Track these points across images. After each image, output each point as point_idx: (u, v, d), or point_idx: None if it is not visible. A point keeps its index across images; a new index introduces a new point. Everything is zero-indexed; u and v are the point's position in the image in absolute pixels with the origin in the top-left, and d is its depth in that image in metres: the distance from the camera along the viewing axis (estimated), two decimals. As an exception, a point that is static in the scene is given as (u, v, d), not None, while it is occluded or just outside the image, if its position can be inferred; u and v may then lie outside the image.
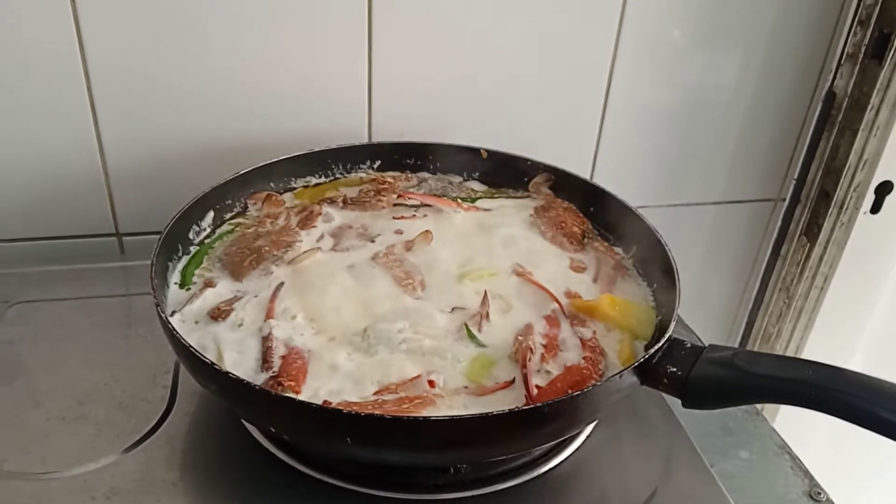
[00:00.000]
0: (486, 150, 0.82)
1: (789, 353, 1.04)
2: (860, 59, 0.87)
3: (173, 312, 0.60)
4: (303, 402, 0.48)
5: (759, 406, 0.92)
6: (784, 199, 1.02)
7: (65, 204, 0.83)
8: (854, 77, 0.87)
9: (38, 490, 0.54)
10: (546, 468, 0.60)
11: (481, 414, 0.47)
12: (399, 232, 0.72)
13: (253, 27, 0.79)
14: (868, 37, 0.85)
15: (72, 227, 0.85)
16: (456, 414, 0.50)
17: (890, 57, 0.82)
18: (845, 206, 0.92)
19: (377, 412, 0.48)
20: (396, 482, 0.56)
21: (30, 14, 0.73)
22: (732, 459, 0.78)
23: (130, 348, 0.69)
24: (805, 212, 0.98)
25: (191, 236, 0.69)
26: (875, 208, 0.92)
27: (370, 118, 0.88)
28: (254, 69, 0.82)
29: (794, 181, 0.99)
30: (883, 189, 0.91)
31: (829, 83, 0.92)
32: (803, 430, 0.97)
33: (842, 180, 0.91)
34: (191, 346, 0.50)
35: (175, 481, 0.56)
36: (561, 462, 0.61)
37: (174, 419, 0.62)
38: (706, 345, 0.55)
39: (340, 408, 0.49)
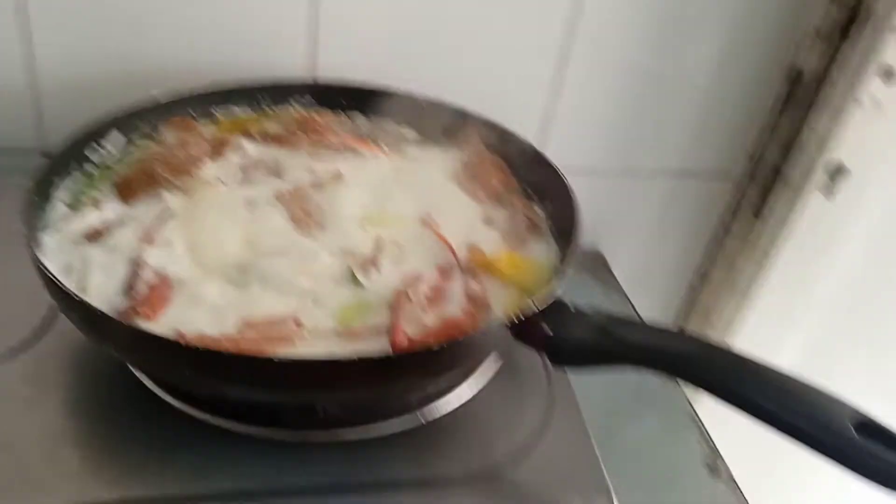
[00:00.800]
0: (422, 97, 0.79)
1: (723, 331, 1.02)
2: (827, 37, 0.83)
3: (48, 229, 0.58)
4: (140, 330, 0.46)
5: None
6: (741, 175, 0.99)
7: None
8: (819, 54, 0.84)
9: None
10: (419, 417, 0.58)
11: (328, 359, 0.45)
12: (311, 171, 0.69)
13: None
14: (837, 13, 0.81)
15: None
16: (303, 357, 0.48)
17: (856, 35, 0.78)
18: (796, 187, 0.89)
19: (211, 346, 0.46)
20: (261, 418, 0.55)
21: None
22: (640, 427, 0.77)
23: (20, 265, 0.66)
24: (757, 190, 0.95)
25: (89, 154, 0.66)
26: (828, 192, 0.89)
27: (316, 56, 0.85)
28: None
29: (749, 157, 0.96)
30: (837, 172, 0.88)
31: (792, 58, 0.88)
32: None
33: (796, 160, 0.88)
34: (41, 262, 0.49)
35: (32, 399, 0.55)
36: (436, 414, 0.59)
37: (49, 339, 0.60)
38: (590, 310, 0.53)
39: (178, 340, 0.47)
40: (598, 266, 0.99)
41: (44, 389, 0.56)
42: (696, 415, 0.76)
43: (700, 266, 1.06)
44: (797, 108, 0.89)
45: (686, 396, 0.78)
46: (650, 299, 1.08)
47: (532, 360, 0.66)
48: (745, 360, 0.45)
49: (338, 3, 0.81)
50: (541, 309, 0.52)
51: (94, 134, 0.66)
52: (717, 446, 0.72)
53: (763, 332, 0.99)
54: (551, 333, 0.51)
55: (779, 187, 0.92)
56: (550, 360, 0.51)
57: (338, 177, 0.68)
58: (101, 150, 0.67)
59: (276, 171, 0.69)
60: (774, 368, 0.46)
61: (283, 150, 0.72)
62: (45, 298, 0.62)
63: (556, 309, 0.53)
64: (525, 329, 0.52)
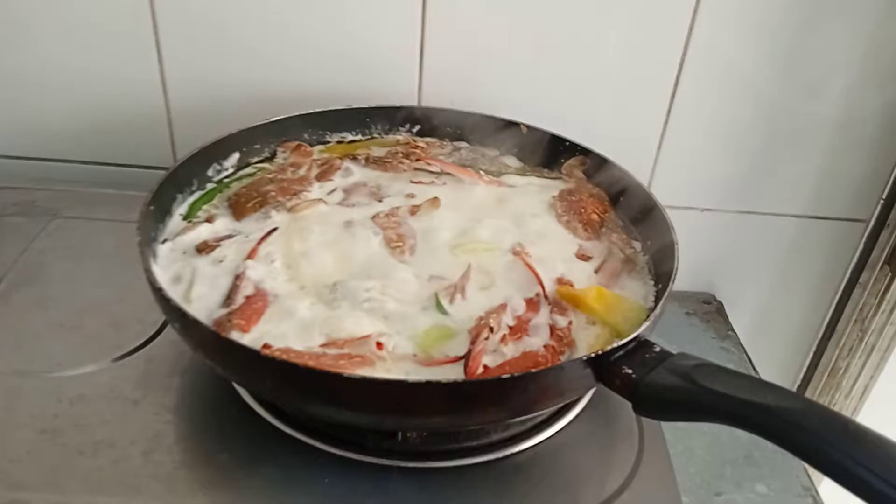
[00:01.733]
0: (527, 126, 0.79)
1: (856, 394, 0.94)
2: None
3: (165, 240, 0.62)
4: (224, 338, 0.49)
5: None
6: (872, 221, 0.91)
7: (128, 134, 0.89)
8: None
9: (14, 385, 0.59)
10: (500, 454, 0.57)
11: (389, 380, 0.46)
12: (411, 196, 0.71)
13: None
14: None
15: (133, 157, 0.90)
16: (359, 374, 0.49)
17: None
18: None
19: (290, 360, 0.48)
20: (347, 439, 0.56)
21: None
22: (746, 492, 0.72)
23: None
24: (891, 237, 0.87)
25: (210, 173, 0.71)
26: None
27: (420, 81, 0.87)
28: (314, 23, 0.83)
29: (881, 201, 0.88)
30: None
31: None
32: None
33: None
34: (148, 269, 0.52)
35: (138, 399, 0.59)
36: (516, 452, 0.58)
37: (158, 344, 0.65)
38: (676, 353, 0.50)
39: (258, 350, 0.49)
40: (714, 314, 0.94)
41: (149, 392, 0.60)
42: (814, 487, 0.70)
43: (828, 320, 0.98)
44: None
45: (804, 465, 0.72)
46: (771, 354, 1.00)
47: (625, 405, 0.63)
48: (848, 423, 0.41)
49: (447, 32, 0.82)
50: (624, 349, 0.50)
51: (216, 154, 0.71)
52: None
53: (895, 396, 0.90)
54: (634, 376, 0.48)
55: (917, 234, 0.84)
56: (633, 407, 0.49)
57: (434, 202, 0.69)
58: (222, 169, 0.72)
59: (377, 195, 0.71)
60: (883, 436, 0.42)
61: (387, 174, 0.75)
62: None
63: (642, 351, 0.51)
64: (605, 369, 0.50)
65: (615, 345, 0.50)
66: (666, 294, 0.55)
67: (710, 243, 0.95)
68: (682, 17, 0.80)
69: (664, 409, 0.48)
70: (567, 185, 0.75)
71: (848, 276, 0.94)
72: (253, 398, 0.59)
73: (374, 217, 0.67)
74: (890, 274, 0.87)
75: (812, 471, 0.72)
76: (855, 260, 0.93)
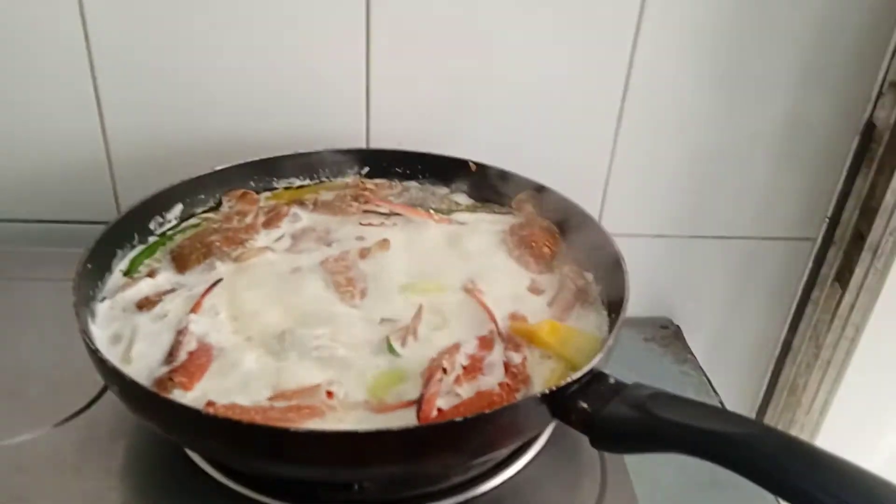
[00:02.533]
0: (475, 164, 0.79)
1: (815, 410, 0.94)
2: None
3: (104, 298, 0.60)
4: (164, 399, 0.47)
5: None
6: (819, 239, 0.92)
7: (69, 189, 0.86)
8: None
9: (-54, 459, 0.56)
10: (460, 498, 0.56)
11: (340, 432, 0.44)
12: (361, 238, 0.70)
13: (257, 27, 0.79)
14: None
15: (75, 213, 0.88)
16: (313, 429, 0.47)
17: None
18: (880, 251, 0.82)
19: (236, 416, 0.46)
20: (301, 493, 0.54)
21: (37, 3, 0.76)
22: (710, 515, 0.71)
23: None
24: (838, 254, 0.88)
25: (152, 226, 0.69)
26: (917, 255, 0.82)
27: (368, 122, 0.87)
28: (256, 67, 0.82)
29: (826, 220, 0.90)
30: (925, 233, 0.81)
31: (868, 114, 0.83)
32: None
33: (876, 221, 0.82)
34: (84, 330, 0.50)
35: (80, 466, 0.57)
36: (483, 493, 0.57)
37: (99, 406, 0.62)
38: (631, 383, 0.50)
39: (198, 409, 0.47)
40: (672, 338, 0.94)
41: (91, 457, 0.57)
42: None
43: (783, 338, 0.99)
44: (874, 166, 0.83)
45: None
46: (730, 375, 1.01)
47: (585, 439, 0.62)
48: (804, 447, 0.41)
49: (392, 72, 0.83)
50: (578, 383, 0.49)
51: (157, 206, 0.69)
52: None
53: (858, 413, 0.91)
54: (589, 410, 0.48)
55: (859, 252, 0.85)
56: (591, 442, 0.48)
57: (384, 244, 0.68)
58: (165, 221, 0.70)
59: (325, 240, 0.70)
60: (838, 458, 0.41)
61: (335, 217, 0.74)
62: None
63: (597, 384, 0.50)
64: (561, 405, 0.49)
65: (569, 379, 0.49)
66: (618, 325, 0.55)
67: (664, 268, 0.96)
68: (623, 44, 0.81)
69: (621, 441, 0.47)
70: (517, 219, 0.75)
71: (800, 294, 0.96)
72: (201, 457, 0.57)
73: (322, 262, 0.66)
74: (840, 290, 0.88)
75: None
76: (805, 278, 0.94)
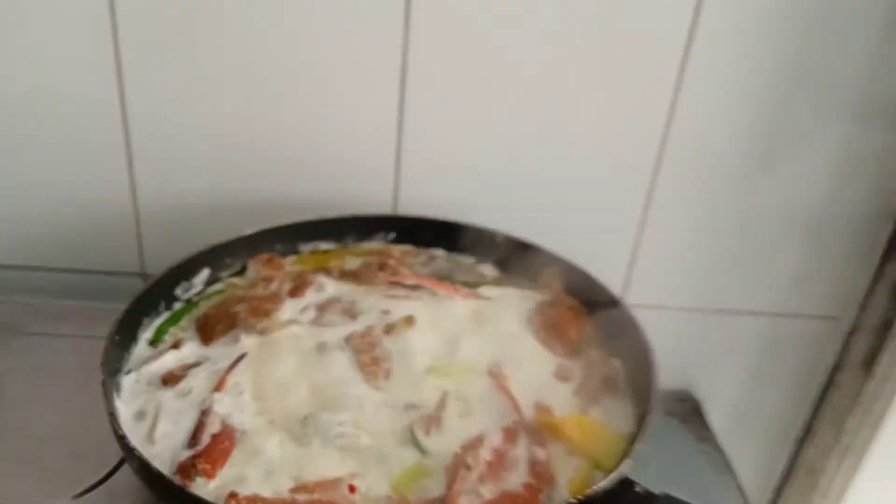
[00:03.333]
0: (503, 236, 0.79)
1: (833, 495, 0.92)
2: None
3: (129, 371, 0.60)
4: (187, 493, 0.46)
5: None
6: (848, 322, 0.91)
7: (94, 239, 0.87)
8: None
9: (-38, 532, 0.55)
10: None
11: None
12: (386, 312, 0.70)
13: (287, 90, 0.80)
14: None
15: (99, 263, 0.89)
16: None
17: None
18: (909, 339, 0.81)
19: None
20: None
21: (74, 63, 0.77)
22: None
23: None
24: (867, 338, 0.87)
25: (178, 292, 0.69)
26: (948, 346, 0.81)
27: (396, 188, 0.87)
28: (288, 131, 0.83)
29: (858, 301, 0.89)
30: (956, 324, 0.79)
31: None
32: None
33: (909, 308, 0.81)
34: (112, 410, 0.50)
35: (102, 540, 0.56)
36: None
37: (121, 476, 0.62)
38: (660, 493, 0.49)
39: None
40: (691, 412, 0.92)
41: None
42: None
43: (806, 420, 0.98)
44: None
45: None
46: (749, 453, 0.99)
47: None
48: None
49: (423, 139, 0.83)
50: (604, 491, 0.49)
51: (185, 273, 0.70)
52: None
53: (877, 501, 0.89)
54: (616, 523, 0.47)
55: (890, 338, 0.84)
56: (613, 555, 0.47)
57: (409, 321, 0.68)
58: (191, 287, 0.70)
59: (350, 312, 0.69)
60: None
61: (360, 287, 0.73)
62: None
63: (624, 493, 0.49)
64: (586, 514, 0.48)
65: (595, 489, 0.48)
66: (646, 428, 0.54)
67: (687, 341, 0.95)
68: (658, 115, 0.81)
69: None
70: (545, 296, 0.74)
71: (825, 375, 0.94)
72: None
73: (347, 338, 0.65)
74: (865, 375, 0.87)
75: None
76: (832, 360, 0.93)
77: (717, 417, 0.93)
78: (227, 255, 0.74)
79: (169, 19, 0.76)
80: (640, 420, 0.57)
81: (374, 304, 0.71)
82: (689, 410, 0.94)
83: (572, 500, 0.47)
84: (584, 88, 0.81)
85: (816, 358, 0.94)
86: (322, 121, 0.82)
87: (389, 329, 0.67)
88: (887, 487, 0.89)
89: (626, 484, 0.50)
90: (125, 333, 0.61)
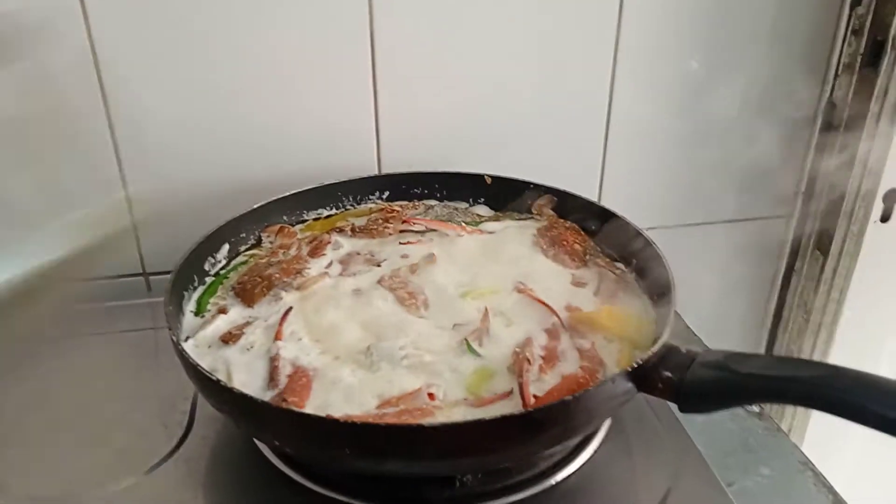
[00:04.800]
0: (490, 177, 0.85)
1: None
2: (856, 69, 0.88)
3: (187, 338, 0.63)
4: (303, 413, 0.50)
5: (781, 423, 0.91)
6: (793, 214, 1.02)
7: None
8: (852, 87, 0.88)
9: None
10: (551, 482, 0.60)
11: (475, 420, 0.49)
12: (405, 256, 0.74)
13: (267, 71, 0.84)
14: (863, 46, 0.86)
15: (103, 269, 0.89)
16: (450, 421, 0.51)
17: (884, 64, 0.83)
18: (854, 217, 0.92)
19: (369, 422, 0.50)
20: (404, 497, 0.58)
21: (53, 54, 0.77)
22: (753, 476, 0.77)
23: (151, 378, 0.72)
24: (815, 225, 0.98)
25: (206, 268, 0.72)
26: (885, 217, 0.92)
27: (379, 152, 0.91)
28: (269, 110, 0.86)
29: (801, 194, 0.99)
30: (891, 197, 0.91)
31: (827, 95, 0.93)
32: (832, 449, 0.96)
33: (848, 191, 0.91)
34: (199, 365, 0.53)
35: (187, 502, 0.58)
36: (568, 476, 0.61)
37: (191, 443, 0.64)
38: (701, 350, 0.56)
39: (339, 418, 0.51)
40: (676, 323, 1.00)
41: (196, 493, 0.59)
42: (809, 459, 0.77)
43: (770, 308, 1.08)
44: (838, 141, 0.93)
45: (793, 442, 0.78)
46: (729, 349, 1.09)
47: (642, 415, 0.68)
48: (872, 377, 0.48)
49: (394, 106, 0.88)
50: (657, 356, 0.55)
51: (210, 248, 0.72)
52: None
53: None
54: (674, 379, 0.53)
55: (835, 220, 0.95)
56: (680, 407, 0.54)
57: (431, 258, 0.73)
58: (216, 262, 0.73)
59: (373, 261, 0.74)
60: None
61: (374, 240, 0.78)
62: (180, 407, 0.67)
63: (672, 354, 0.56)
64: (647, 378, 0.54)
65: (649, 353, 0.54)
66: (672, 300, 0.61)
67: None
68: (608, 30, 0.89)
69: (709, 401, 0.53)
70: (540, 223, 0.80)
71: (784, 267, 1.05)
72: (297, 472, 0.60)
73: (379, 281, 0.70)
74: (821, 257, 0.97)
75: (806, 446, 0.78)
76: (787, 251, 1.03)
77: (696, 325, 1.02)
78: (241, 228, 0.76)
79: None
80: (663, 298, 0.64)
81: (392, 251, 0.76)
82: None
83: (635, 364, 0.53)
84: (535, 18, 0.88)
85: (773, 252, 1.05)
86: (302, 99, 0.86)
87: (414, 269, 0.72)
88: (858, 355, 1.01)
89: (672, 349, 0.56)
90: (173, 305, 0.63)
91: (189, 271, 0.69)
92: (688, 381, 0.53)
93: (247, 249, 0.77)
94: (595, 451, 0.64)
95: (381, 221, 0.80)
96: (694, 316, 1.04)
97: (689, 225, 1.04)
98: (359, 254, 0.75)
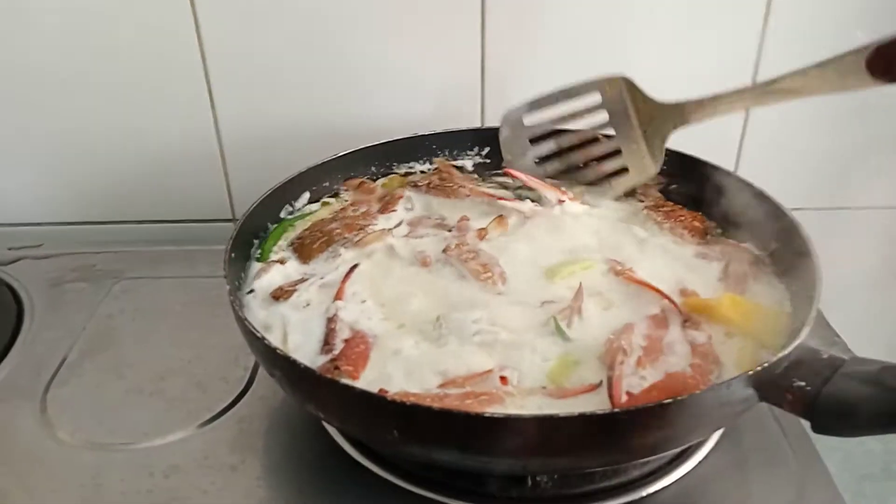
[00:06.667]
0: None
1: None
2: None
3: (251, 291, 0.58)
4: (346, 385, 0.44)
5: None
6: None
7: (184, 189, 0.85)
8: None
9: (99, 461, 0.54)
10: (642, 493, 0.51)
11: (546, 416, 0.40)
12: (479, 221, 0.66)
13: (367, 13, 0.77)
14: None
15: (191, 212, 0.87)
16: (515, 413, 0.43)
17: None
18: None
19: (423, 403, 0.43)
20: (461, 487, 0.50)
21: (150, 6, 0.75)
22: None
23: (220, 327, 0.67)
24: None
25: (283, 215, 0.67)
26: None
27: (483, 104, 0.83)
28: (370, 54, 0.79)
29: None
30: None
31: None
32: None
33: None
34: (246, 319, 0.47)
35: (235, 464, 0.54)
36: (661, 489, 0.52)
37: (248, 401, 0.60)
38: (847, 357, 0.44)
39: (386, 395, 0.44)
40: (816, 320, 0.86)
41: (246, 455, 0.55)
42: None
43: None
44: None
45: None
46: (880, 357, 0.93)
47: (763, 425, 0.57)
48: None
49: (503, 51, 0.79)
50: (790, 359, 0.44)
51: (287, 194, 0.67)
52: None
53: None
54: (809, 389, 0.42)
55: None
56: (813, 426, 0.43)
57: (501, 221, 0.64)
58: (294, 211, 0.68)
59: (443, 226, 0.66)
60: None
61: (449, 200, 0.69)
62: (242, 362, 0.62)
63: (809, 359, 0.44)
64: (773, 386, 0.43)
65: (780, 355, 0.43)
66: (816, 293, 0.49)
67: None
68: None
69: (852, 423, 0.41)
70: (646, 202, 0.69)
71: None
72: (355, 447, 0.54)
73: (445, 250, 0.61)
74: None
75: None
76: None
77: (843, 324, 0.87)
78: (324, 177, 0.71)
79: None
80: (805, 290, 0.52)
81: (469, 213, 0.67)
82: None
83: (759, 367, 0.42)
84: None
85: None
86: (407, 41, 0.78)
87: (482, 234, 0.63)
88: None
89: (810, 352, 0.45)
90: (239, 251, 0.59)
91: (263, 217, 0.64)
92: (826, 396, 0.42)
93: (328, 199, 0.71)
94: (699, 463, 0.54)
95: (462, 183, 0.72)
96: (841, 316, 0.89)
97: (845, 208, 0.88)
98: (429, 217, 0.67)
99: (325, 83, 0.81)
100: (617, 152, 0.68)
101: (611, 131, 0.68)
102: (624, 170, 0.68)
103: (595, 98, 0.67)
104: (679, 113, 0.62)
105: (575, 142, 0.70)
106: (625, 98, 0.65)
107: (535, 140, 0.71)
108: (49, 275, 0.76)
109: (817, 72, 0.51)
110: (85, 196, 0.86)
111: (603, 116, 0.67)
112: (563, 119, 0.69)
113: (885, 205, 0.88)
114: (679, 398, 0.40)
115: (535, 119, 0.70)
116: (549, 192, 0.69)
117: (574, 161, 0.71)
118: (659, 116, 0.64)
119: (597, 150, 0.69)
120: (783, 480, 0.52)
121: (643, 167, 0.66)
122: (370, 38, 0.79)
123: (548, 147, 0.71)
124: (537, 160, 0.71)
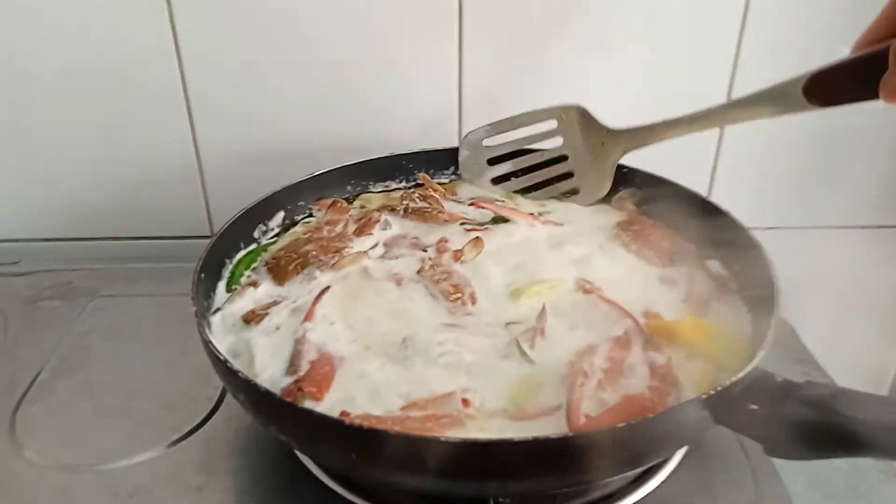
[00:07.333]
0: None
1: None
2: None
3: (217, 310, 0.58)
4: (306, 409, 0.44)
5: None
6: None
7: (162, 206, 0.85)
8: None
9: (64, 483, 0.54)
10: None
11: (499, 441, 0.41)
12: (454, 243, 0.66)
13: (349, 34, 0.78)
14: None
15: (169, 229, 0.87)
16: (468, 438, 0.43)
17: None
18: None
19: (380, 427, 0.43)
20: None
21: (129, 18, 0.75)
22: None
23: (193, 346, 0.67)
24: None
25: (256, 235, 0.67)
26: None
27: (460, 125, 0.84)
28: (349, 74, 0.80)
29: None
30: None
31: None
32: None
33: None
34: (211, 342, 0.48)
35: (201, 486, 0.54)
36: (624, 510, 0.52)
37: (216, 422, 0.60)
38: (802, 381, 0.45)
39: (342, 420, 0.44)
40: (785, 337, 0.87)
41: (211, 476, 0.55)
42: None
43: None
44: None
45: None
46: (854, 375, 0.94)
47: (726, 445, 0.57)
48: None
49: (480, 70, 0.80)
50: (743, 383, 0.45)
51: (261, 214, 0.68)
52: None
53: None
54: (761, 413, 0.43)
55: None
56: (765, 449, 0.43)
57: (477, 243, 0.65)
58: (268, 230, 0.68)
59: (419, 246, 0.66)
60: None
61: (426, 224, 0.70)
62: (213, 381, 0.63)
63: (764, 382, 0.45)
64: (727, 408, 0.44)
65: (734, 378, 0.44)
66: (774, 318, 0.50)
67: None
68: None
69: (802, 448, 0.42)
70: (619, 216, 0.70)
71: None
72: (323, 472, 0.54)
73: (419, 271, 0.62)
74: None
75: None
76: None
77: (814, 342, 0.88)
78: (299, 196, 0.71)
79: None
80: (768, 315, 0.53)
81: (445, 235, 0.67)
82: (783, 336, 0.88)
83: (712, 391, 0.43)
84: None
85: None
86: (385, 63, 0.80)
87: (458, 255, 0.64)
88: None
89: (765, 376, 0.46)
90: (209, 272, 0.59)
91: (235, 237, 0.65)
92: (778, 419, 0.42)
93: (304, 220, 0.71)
94: (662, 484, 0.54)
95: (439, 206, 0.72)
96: (814, 333, 0.90)
97: (818, 227, 0.89)
98: (405, 237, 0.68)
99: (305, 103, 0.81)
100: (570, 174, 0.72)
101: (565, 154, 0.71)
102: (575, 191, 0.72)
103: (551, 124, 0.71)
104: (629, 138, 0.66)
105: (531, 163, 0.74)
106: (578, 124, 0.69)
107: (493, 161, 0.74)
108: (24, 292, 0.76)
109: (754, 100, 0.56)
110: (63, 212, 0.86)
111: (558, 141, 0.71)
112: (521, 142, 0.73)
113: (859, 224, 0.89)
114: (632, 422, 0.41)
115: (494, 141, 0.73)
116: (519, 218, 0.70)
117: (529, 181, 0.74)
118: (609, 142, 0.68)
119: (551, 171, 0.73)
120: (743, 501, 0.53)
121: (592, 188, 0.71)
122: (351, 62, 0.80)
123: (505, 167, 0.74)
124: (494, 179, 0.74)
